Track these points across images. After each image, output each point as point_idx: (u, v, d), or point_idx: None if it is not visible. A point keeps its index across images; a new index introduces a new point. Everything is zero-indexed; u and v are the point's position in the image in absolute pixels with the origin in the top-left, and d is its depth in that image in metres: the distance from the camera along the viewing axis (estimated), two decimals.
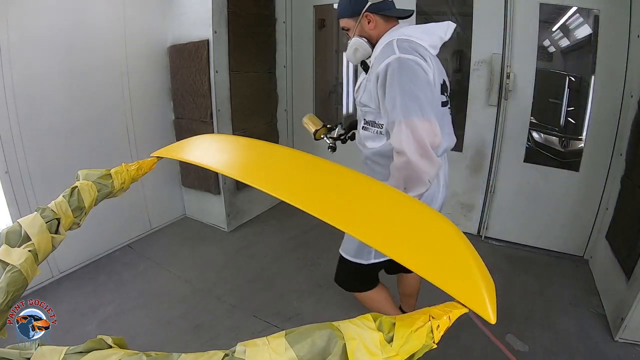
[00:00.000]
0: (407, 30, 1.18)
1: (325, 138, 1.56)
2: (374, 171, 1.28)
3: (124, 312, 1.97)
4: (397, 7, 1.25)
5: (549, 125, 2.51)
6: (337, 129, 1.58)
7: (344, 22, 1.25)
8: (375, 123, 1.22)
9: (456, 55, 2.76)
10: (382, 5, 1.19)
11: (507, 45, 2.30)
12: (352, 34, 1.24)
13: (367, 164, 1.32)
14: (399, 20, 1.26)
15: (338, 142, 1.57)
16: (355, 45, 1.23)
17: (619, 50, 2.05)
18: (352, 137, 1.56)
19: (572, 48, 2.32)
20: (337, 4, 1.29)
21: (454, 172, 2.68)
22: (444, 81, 1.22)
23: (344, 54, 1.38)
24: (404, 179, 1.07)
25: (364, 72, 1.29)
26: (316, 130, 1.55)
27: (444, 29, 1.20)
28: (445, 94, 1.23)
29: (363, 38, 1.22)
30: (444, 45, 1.24)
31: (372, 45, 1.23)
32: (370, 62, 1.23)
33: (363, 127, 1.27)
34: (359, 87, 1.29)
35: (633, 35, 1.99)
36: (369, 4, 1.17)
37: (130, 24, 2.37)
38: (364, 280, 1.45)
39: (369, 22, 1.21)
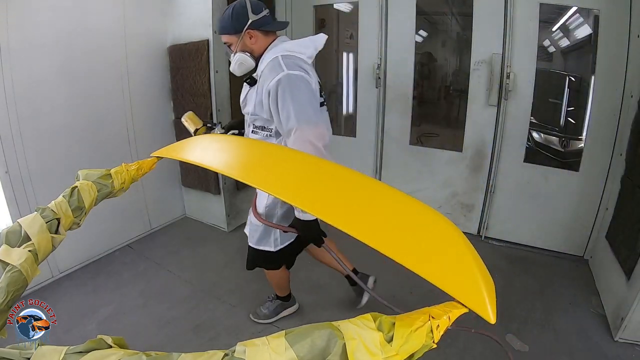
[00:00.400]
0: (288, 45, 1.35)
1: None
2: None
3: (124, 312, 1.97)
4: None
5: (549, 125, 2.51)
6: (216, 129, 1.60)
7: (227, 38, 1.37)
8: (265, 127, 1.39)
9: (456, 55, 2.77)
10: (261, 22, 1.34)
11: (507, 45, 2.30)
12: (235, 49, 1.36)
13: None
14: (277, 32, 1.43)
15: None
16: (240, 60, 1.36)
17: (619, 50, 2.05)
18: None
19: (572, 48, 2.32)
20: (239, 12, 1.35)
21: (454, 172, 2.71)
22: (319, 84, 1.40)
23: (230, 68, 1.44)
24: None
25: (247, 85, 1.42)
26: (196, 129, 1.55)
27: (319, 41, 1.40)
28: (322, 96, 1.43)
29: (246, 53, 1.37)
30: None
31: (255, 58, 1.38)
32: (257, 75, 1.36)
33: (253, 131, 1.43)
34: (244, 98, 1.45)
35: (633, 35, 1.99)
36: (250, 21, 1.32)
37: (130, 24, 2.37)
38: (278, 263, 1.67)
39: (250, 38, 1.35)
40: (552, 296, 2.07)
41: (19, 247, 0.74)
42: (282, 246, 1.59)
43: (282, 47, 1.33)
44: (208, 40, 2.41)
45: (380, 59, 2.72)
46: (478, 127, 2.53)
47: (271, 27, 1.38)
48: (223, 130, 1.62)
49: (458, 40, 2.74)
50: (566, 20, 2.26)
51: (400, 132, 2.83)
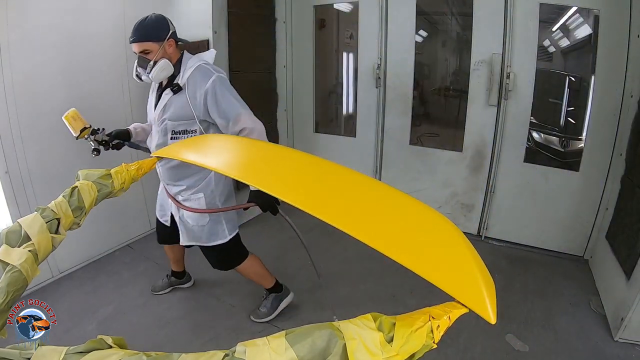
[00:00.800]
0: (202, 56, 1.56)
1: (89, 140, 1.53)
2: (185, 175, 1.57)
3: (124, 312, 1.97)
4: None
5: (549, 125, 2.51)
6: (101, 134, 1.56)
7: (147, 46, 1.43)
8: (187, 131, 1.53)
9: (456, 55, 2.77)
10: (175, 36, 1.50)
11: (507, 45, 2.30)
12: (154, 56, 1.44)
13: (177, 170, 1.56)
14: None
15: (101, 148, 1.57)
16: (164, 66, 1.45)
17: (619, 50, 2.05)
18: (117, 147, 1.61)
19: (572, 48, 2.32)
20: (142, 25, 1.46)
21: (454, 172, 2.71)
22: None
23: (150, 75, 1.47)
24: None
25: (170, 93, 1.49)
26: (83, 129, 1.50)
27: (213, 56, 1.61)
28: None
29: (167, 60, 1.46)
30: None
31: (172, 66, 1.49)
32: (180, 81, 1.48)
33: (172, 137, 1.53)
34: (164, 106, 1.52)
35: (633, 35, 1.99)
36: (171, 32, 1.47)
37: (130, 24, 2.33)
38: (239, 252, 1.77)
39: (169, 47, 1.47)
40: (552, 296, 2.07)
41: (19, 247, 0.74)
42: (234, 233, 1.73)
43: (198, 58, 1.53)
44: (208, 41, 2.41)
45: (380, 59, 2.72)
46: (478, 127, 2.53)
47: (181, 41, 1.55)
48: (107, 138, 1.58)
49: (458, 40, 2.74)
50: (566, 20, 2.26)
51: (400, 132, 2.83)
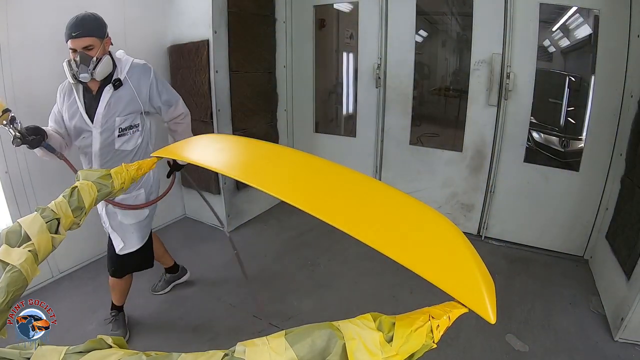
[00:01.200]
0: (120, 54, 1.59)
1: (8, 127, 1.33)
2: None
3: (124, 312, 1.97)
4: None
5: (549, 125, 2.51)
6: (18, 124, 1.36)
7: (92, 41, 1.41)
8: (132, 126, 1.56)
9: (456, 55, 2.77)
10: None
11: (507, 45, 2.30)
12: (97, 52, 1.42)
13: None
14: None
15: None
16: (108, 62, 1.46)
17: (619, 50, 2.05)
18: (32, 144, 1.37)
19: (572, 48, 2.32)
20: (83, 22, 1.40)
21: (454, 172, 2.71)
22: None
23: (96, 71, 1.44)
24: (188, 130, 1.77)
25: (111, 89, 1.49)
26: (5, 110, 1.30)
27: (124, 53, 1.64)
28: None
29: (108, 56, 1.48)
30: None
31: None
32: (121, 76, 1.51)
33: (119, 135, 1.54)
34: (107, 103, 1.50)
35: (633, 35, 1.99)
36: (107, 29, 1.48)
37: (130, 24, 2.37)
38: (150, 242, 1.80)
39: (107, 44, 1.48)
40: (552, 296, 2.07)
41: (19, 247, 0.74)
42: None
43: (122, 54, 1.59)
44: (208, 40, 2.41)
45: (380, 59, 2.72)
46: (478, 127, 2.53)
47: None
48: (24, 131, 1.36)
49: (458, 40, 2.74)
50: (566, 20, 2.26)
51: (400, 132, 2.83)
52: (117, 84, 1.50)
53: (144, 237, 1.70)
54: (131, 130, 1.57)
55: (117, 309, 1.84)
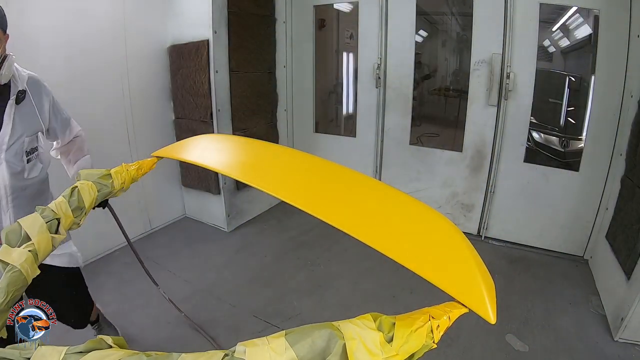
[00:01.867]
0: None
1: None
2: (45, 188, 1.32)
3: (124, 312, 1.97)
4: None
5: (549, 125, 2.51)
6: None
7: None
8: (34, 149, 1.21)
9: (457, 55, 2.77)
10: None
11: (507, 45, 2.30)
12: (2, 49, 1.12)
13: (27, 199, 1.21)
14: None
15: None
16: (12, 63, 1.14)
17: (619, 50, 2.05)
18: None
19: (572, 48, 2.32)
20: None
21: (454, 172, 2.71)
22: None
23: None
24: (83, 146, 1.46)
25: (14, 103, 1.14)
26: None
27: None
28: None
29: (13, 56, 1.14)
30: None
31: None
32: (21, 87, 1.18)
33: (28, 160, 1.19)
34: (13, 121, 1.13)
35: (633, 35, 1.99)
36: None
37: (130, 24, 2.37)
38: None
39: (6, 42, 1.14)
40: (552, 296, 2.07)
41: (19, 247, 0.74)
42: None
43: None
44: (208, 40, 2.41)
45: (380, 59, 2.72)
46: (478, 127, 2.53)
47: None
48: None
49: (458, 40, 2.74)
50: (566, 20, 2.26)
51: (400, 132, 2.83)
52: (22, 97, 1.16)
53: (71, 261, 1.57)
54: (34, 154, 1.21)
55: (94, 322, 1.73)
